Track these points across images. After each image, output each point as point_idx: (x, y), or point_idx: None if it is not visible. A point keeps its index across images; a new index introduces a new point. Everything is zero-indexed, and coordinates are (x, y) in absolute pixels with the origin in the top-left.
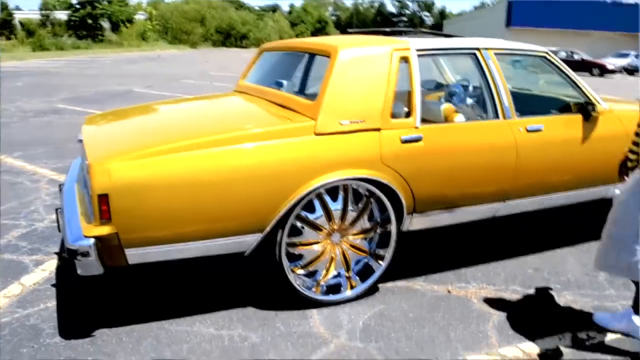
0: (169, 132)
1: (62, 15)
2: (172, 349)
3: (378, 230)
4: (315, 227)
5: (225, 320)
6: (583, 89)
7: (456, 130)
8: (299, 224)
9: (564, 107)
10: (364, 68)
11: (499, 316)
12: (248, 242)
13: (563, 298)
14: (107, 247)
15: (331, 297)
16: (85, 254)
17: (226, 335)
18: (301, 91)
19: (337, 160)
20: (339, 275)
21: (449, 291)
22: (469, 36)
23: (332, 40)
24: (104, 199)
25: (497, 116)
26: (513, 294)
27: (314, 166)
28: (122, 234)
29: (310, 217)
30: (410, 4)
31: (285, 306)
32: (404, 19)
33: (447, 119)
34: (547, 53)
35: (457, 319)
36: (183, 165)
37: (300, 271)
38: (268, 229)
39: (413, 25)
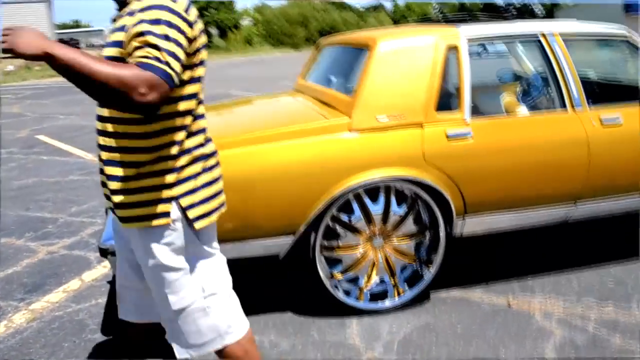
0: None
1: None
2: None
3: (427, 235)
4: (354, 230)
5: (261, 324)
6: None
7: (512, 125)
8: (336, 227)
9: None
10: (405, 60)
11: (562, 336)
12: (280, 244)
13: None
14: None
15: (371, 305)
16: (114, 253)
17: (257, 340)
18: (345, 87)
19: (373, 159)
20: (383, 282)
21: (508, 303)
22: None
23: (376, 32)
24: None
25: (564, 108)
26: (585, 309)
27: (347, 165)
28: None
29: (348, 219)
30: None
31: (326, 313)
32: (513, 11)
33: (508, 112)
34: (627, 35)
35: (511, 336)
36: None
37: (341, 277)
38: (300, 231)
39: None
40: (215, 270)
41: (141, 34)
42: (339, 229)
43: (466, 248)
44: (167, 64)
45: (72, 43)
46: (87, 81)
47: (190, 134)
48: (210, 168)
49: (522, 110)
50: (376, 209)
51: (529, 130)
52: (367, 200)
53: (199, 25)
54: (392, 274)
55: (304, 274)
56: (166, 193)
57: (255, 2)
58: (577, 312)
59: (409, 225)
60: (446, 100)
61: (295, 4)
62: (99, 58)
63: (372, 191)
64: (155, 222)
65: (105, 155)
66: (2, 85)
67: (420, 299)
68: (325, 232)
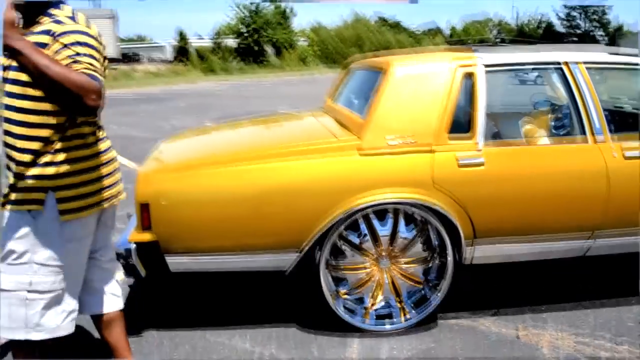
0: (219, 148)
1: (231, 42)
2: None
3: (436, 260)
4: (360, 250)
5: (264, 337)
6: None
7: (527, 153)
8: (343, 246)
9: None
10: (418, 84)
11: None
12: (286, 260)
13: None
14: (149, 254)
15: (375, 326)
16: (127, 257)
17: (258, 352)
18: (361, 109)
19: (381, 181)
20: (389, 303)
21: (517, 335)
22: None
23: (394, 56)
24: (145, 207)
25: (585, 139)
26: (597, 347)
27: (354, 186)
28: (161, 242)
29: (354, 239)
30: (581, 22)
31: (330, 330)
32: (574, 38)
33: (528, 141)
34: None
35: None
36: (221, 179)
37: (346, 295)
38: (305, 248)
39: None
40: (63, 270)
41: (75, 52)
42: (345, 248)
43: (482, 273)
44: (100, 76)
45: (135, 58)
46: (42, 75)
47: (72, 136)
48: (94, 168)
49: (543, 139)
50: (383, 231)
51: (544, 160)
52: (375, 221)
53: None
54: (398, 296)
55: (311, 290)
56: (43, 183)
57: (311, 23)
58: (587, 350)
59: (417, 249)
60: (459, 126)
61: (350, 26)
62: (52, 59)
63: (382, 213)
64: (26, 207)
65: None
66: None
67: (426, 323)
68: (332, 250)
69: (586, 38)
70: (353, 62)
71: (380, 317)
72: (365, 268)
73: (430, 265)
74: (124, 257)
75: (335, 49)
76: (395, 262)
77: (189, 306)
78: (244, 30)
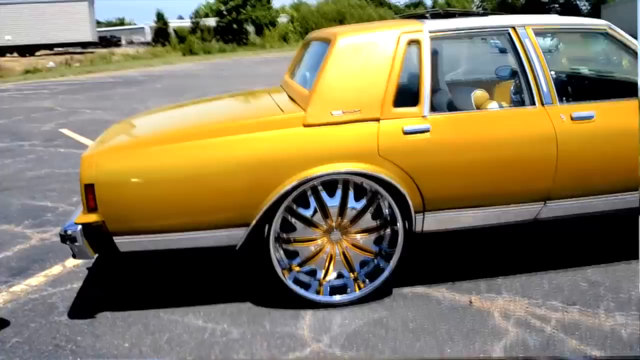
0: (165, 127)
1: (211, 22)
2: (154, 337)
3: (387, 230)
4: (310, 224)
5: (217, 313)
6: None
7: (474, 120)
8: (293, 220)
9: (622, 90)
10: (364, 55)
11: (516, 336)
12: (235, 235)
13: (611, 319)
14: (96, 235)
15: (328, 298)
16: (73, 239)
17: (210, 328)
18: (309, 83)
19: (326, 153)
20: (342, 275)
21: (470, 301)
22: (627, 24)
23: (341, 27)
24: (89, 188)
25: (533, 103)
26: (548, 311)
27: (299, 159)
28: (108, 223)
29: (304, 212)
30: None
31: (284, 305)
32: (557, 6)
33: (479, 108)
34: (608, 27)
35: (463, 333)
36: (165, 158)
37: (299, 269)
38: (254, 222)
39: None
40: None
41: None
42: (295, 221)
43: (440, 244)
44: None
45: (114, 40)
46: None
47: None
48: None
49: (493, 105)
50: (333, 203)
51: (492, 126)
52: (323, 194)
53: None
54: (351, 267)
55: (263, 265)
56: None
57: (293, 0)
58: (538, 313)
59: (368, 220)
60: (406, 95)
61: (331, 1)
62: None
63: (332, 184)
64: None
65: None
66: (41, 81)
67: (382, 294)
68: (282, 224)
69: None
70: (309, 37)
71: (334, 289)
72: (316, 241)
73: (381, 235)
74: (70, 239)
75: (317, 25)
76: (346, 234)
77: (144, 287)
78: (223, 9)
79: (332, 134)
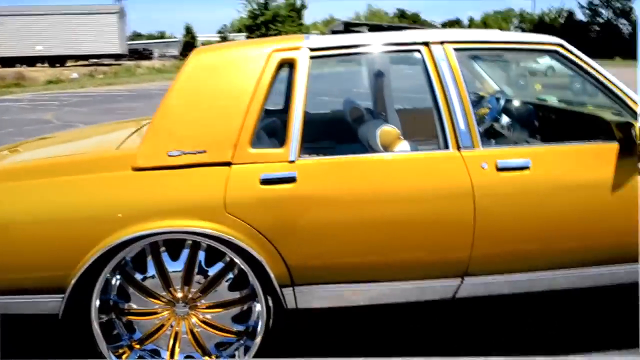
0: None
1: (241, 37)
2: None
3: (255, 305)
4: (146, 292)
5: None
6: (625, 97)
7: (359, 167)
8: (126, 286)
9: (587, 130)
10: (220, 78)
11: None
12: (50, 303)
13: None
14: None
15: None
16: None
17: None
18: None
19: (156, 206)
20: (192, 357)
21: None
22: None
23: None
24: None
25: (446, 146)
26: None
27: (124, 211)
28: None
29: (138, 277)
30: (603, 11)
31: None
32: (596, 27)
33: (387, 149)
34: (559, 45)
35: None
36: None
37: (139, 347)
38: (68, 288)
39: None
40: None
41: None
42: (130, 288)
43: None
44: None
45: (146, 53)
46: None
47: None
48: None
49: (402, 146)
50: (175, 267)
51: (384, 176)
52: (164, 256)
53: None
54: (205, 351)
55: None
56: None
57: (324, 17)
58: None
59: (223, 292)
60: (270, 133)
61: (364, 19)
62: None
63: (178, 244)
64: None
65: None
66: (59, 92)
67: None
68: (119, 291)
69: (609, 27)
70: None
71: None
72: (156, 314)
73: (245, 310)
74: None
75: None
76: (194, 308)
77: None
78: (252, 24)
79: (166, 181)
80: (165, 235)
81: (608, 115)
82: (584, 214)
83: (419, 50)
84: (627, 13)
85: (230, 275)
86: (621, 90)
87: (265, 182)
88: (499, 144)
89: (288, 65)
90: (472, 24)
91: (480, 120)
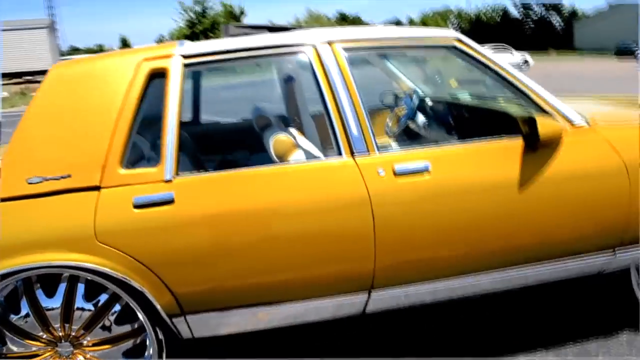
0: None
1: None
2: None
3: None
4: (23, 334)
5: None
6: (528, 91)
7: (245, 181)
8: (5, 332)
9: (496, 126)
10: (84, 92)
11: None
12: None
13: None
14: None
15: None
16: None
17: None
18: None
19: (21, 239)
20: None
21: None
22: (602, 39)
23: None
24: None
25: (339, 152)
26: None
27: None
28: None
29: (13, 319)
30: (536, 8)
31: None
32: (530, 24)
33: (282, 158)
34: (456, 39)
35: None
36: None
37: None
38: None
39: (541, 30)
40: None
41: None
42: (5, 332)
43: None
44: None
45: None
46: None
47: None
48: None
49: (298, 156)
50: (51, 304)
51: (271, 189)
52: (39, 293)
53: None
54: None
55: None
56: None
57: (264, 22)
58: None
59: (111, 326)
60: (143, 152)
61: (304, 23)
62: None
63: (53, 280)
64: None
65: None
66: None
67: None
68: None
69: (543, 24)
70: None
71: None
72: (37, 356)
73: (139, 343)
74: None
75: None
76: (79, 346)
77: None
78: (189, 34)
79: (29, 211)
80: (35, 271)
81: (517, 110)
82: (491, 216)
83: (304, 52)
84: (557, 8)
85: (118, 308)
86: (523, 83)
87: (139, 205)
88: (406, 146)
89: (161, 75)
90: (411, 24)
91: (397, 121)
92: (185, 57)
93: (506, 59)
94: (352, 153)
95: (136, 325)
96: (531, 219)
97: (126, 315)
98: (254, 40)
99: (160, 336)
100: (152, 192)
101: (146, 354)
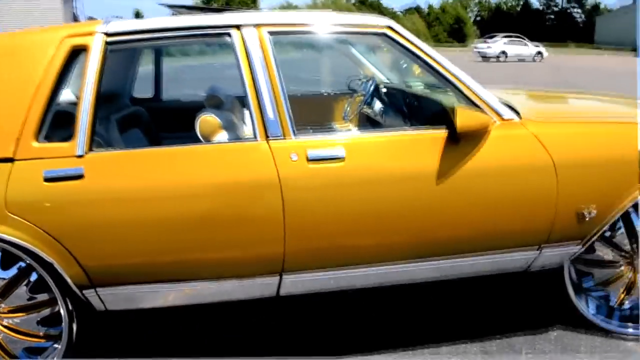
0: None
1: None
2: None
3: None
4: None
5: None
6: (459, 83)
7: (157, 159)
8: None
9: (427, 117)
10: (2, 67)
11: None
12: None
13: None
14: None
15: None
16: None
17: None
18: None
19: None
20: None
21: None
22: (624, 34)
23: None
24: None
25: (254, 135)
26: None
27: None
28: None
29: None
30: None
31: None
32: (551, 15)
33: (207, 139)
34: (388, 27)
35: None
36: None
37: None
38: None
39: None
40: None
41: None
42: None
43: None
44: None
45: None
46: None
47: None
48: None
49: (221, 137)
50: None
51: (183, 169)
52: None
53: None
54: (11, 356)
55: None
56: None
57: (281, 2)
58: None
59: (25, 295)
60: (60, 127)
61: (322, 5)
62: None
63: None
64: None
65: None
66: None
67: None
68: None
69: (563, 15)
70: None
71: None
72: None
73: (54, 313)
74: None
75: None
76: None
77: None
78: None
79: None
80: None
81: (446, 101)
82: (404, 206)
83: (229, 34)
84: (579, 0)
85: (35, 277)
86: (454, 75)
87: (49, 179)
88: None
89: (82, 51)
90: (431, 11)
91: (358, 107)
92: (108, 34)
93: (519, 50)
94: (267, 137)
95: (51, 296)
96: (447, 212)
97: (42, 285)
98: (181, 20)
99: (71, 307)
100: (62, 166)
101: (63, 323)
